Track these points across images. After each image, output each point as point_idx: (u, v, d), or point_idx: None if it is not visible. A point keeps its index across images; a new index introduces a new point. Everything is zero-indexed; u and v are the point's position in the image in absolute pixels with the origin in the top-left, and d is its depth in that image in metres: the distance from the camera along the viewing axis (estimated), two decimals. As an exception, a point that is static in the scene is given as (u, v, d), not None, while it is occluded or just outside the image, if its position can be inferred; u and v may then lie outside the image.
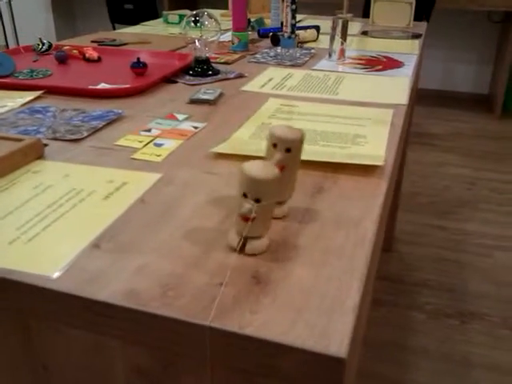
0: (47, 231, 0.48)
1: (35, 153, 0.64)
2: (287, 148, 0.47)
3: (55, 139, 0.70)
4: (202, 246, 0.46)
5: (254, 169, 0.41)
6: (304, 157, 0.65)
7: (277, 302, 0.39)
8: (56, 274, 0.42)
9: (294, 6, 1.17)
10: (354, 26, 1.78)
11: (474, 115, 3.88)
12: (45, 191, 0.56)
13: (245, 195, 0.42)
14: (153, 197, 0.56)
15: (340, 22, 1.18)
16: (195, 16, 1.04)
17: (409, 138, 2.07)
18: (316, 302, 0.39)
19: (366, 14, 2.58)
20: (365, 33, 1.66)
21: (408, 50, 1.37)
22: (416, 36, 1.60)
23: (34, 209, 0.52)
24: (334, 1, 3.15)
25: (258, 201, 0.42)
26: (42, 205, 0.53)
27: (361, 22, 1.92)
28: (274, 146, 0.48)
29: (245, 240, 0.45)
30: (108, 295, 0.40)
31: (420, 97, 4.15)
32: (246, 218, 0.43)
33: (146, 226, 0.50)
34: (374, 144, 0.70)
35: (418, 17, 2.02)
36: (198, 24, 1.05)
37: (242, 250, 0.45)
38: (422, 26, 1.81)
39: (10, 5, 3.36)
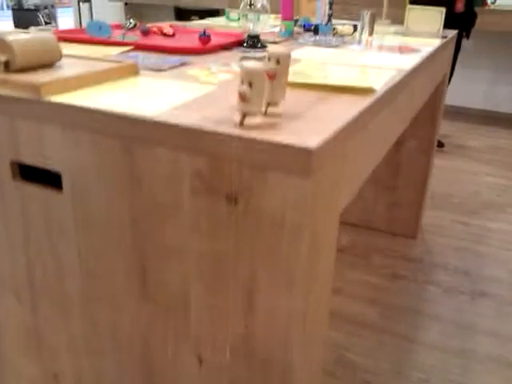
0: (146, 100, 0.77)
1: (133, 71, 0.93)
2: (277, 60, 0.71)
3: (145, 69, 1.00)
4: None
5: (248, 64, 0.66)
6: (318, 81, 0.91)
7: (278, 131, 0.66)
8: (151, 113, 0.70)
9: (331, -1, 1.45)
10: (390, 29, 2.04)
11: (513, 133, 4.03)
12: (141, 87, 0.85)
13: (242, 82, 0.66)
14: (212, 93, 0.84)
15: (368, 14, 1.44)
16: (251, 0, 1.34)
17: (433, 140, 2.27)
18: (303, 132, 0.66)
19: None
20: (399, 33, 1.91)
21: (429, 44, 1.61)
22: (442, 37, 1.84)
23: (134, 92, 0.81)
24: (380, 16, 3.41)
25: (250, 85, 0.65)
26: (141, 91, 0.82)
27: (398, 27, 2.17)
28: (269, 59, 0.71)
29: (244, 116, 0.68)
30: (185, 123, 0.67)
31: (461, 114, 4.33)
32: (242, 97, 0.66)
33: (205, 104, 0.77)
34: (374, 83, 0.96)
35: (458, 34, 2.25)
36: (253, 6, 1.34)
37: (242, 124, 0.68)
38: (451, 32, 2.05)
39: (91, 9, 3.80)
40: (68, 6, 5.46)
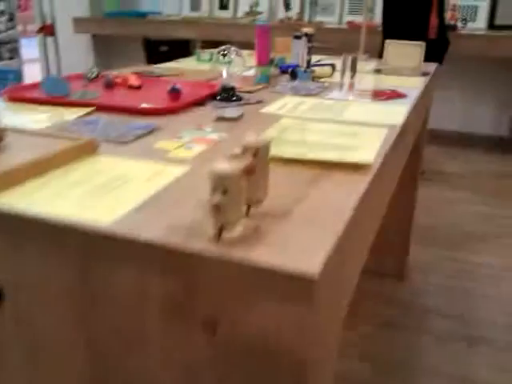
0: (102, 198, 0.64)
1: (91, 149, 0.80)
2: (254, 153, 0.57)
3: (106, 141, 0.87)
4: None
5: (219, 166, 0.51)
6: (304, 156, 0.80)
7: (264, 247, 0.54)
8: (109, 222, 0.58)
9: (309, 44, 1.34)
10: (369, 65, 1.95)
11: (492, 156, 3.99)
12: (99, 174, 0.72)
13: (214, 189, 0.51)
14: (183, 178, 0.71)
15: (349, 58, 1.34)
16: (224, 50, 1.22)
17: (417, 174, 2.19)
18: (298, 245, 0.54)
19: (382, 55, 2.76)
20: (378, 71, 1.83)
21: (413, 85, 1.52)
22: (424, 74, 1.76)
23: (90, 184, 0.68)
24: (354, 45, 3.35)
25: (225, 193, 0.50)
26: (98, 182, 0.69)
27: (376, 61, 2.09)
28: (245, 151, 0.57)
29: (221, 230, 0.53)
30: (149, 239, 0.55)
31: (439, 137, 4.28)
32: (216, 210, 0.51)
33: (175, 199, 0.65)
34: (367, 151, 0.85)
35: (432, 60, 2.19)
36: (226, 57, 1.23)
37: (218, 239, 0.54)
38: (432, 66, 1.97)
39: (57, 41, 3.66)
40: (32, 36, 5.33)
